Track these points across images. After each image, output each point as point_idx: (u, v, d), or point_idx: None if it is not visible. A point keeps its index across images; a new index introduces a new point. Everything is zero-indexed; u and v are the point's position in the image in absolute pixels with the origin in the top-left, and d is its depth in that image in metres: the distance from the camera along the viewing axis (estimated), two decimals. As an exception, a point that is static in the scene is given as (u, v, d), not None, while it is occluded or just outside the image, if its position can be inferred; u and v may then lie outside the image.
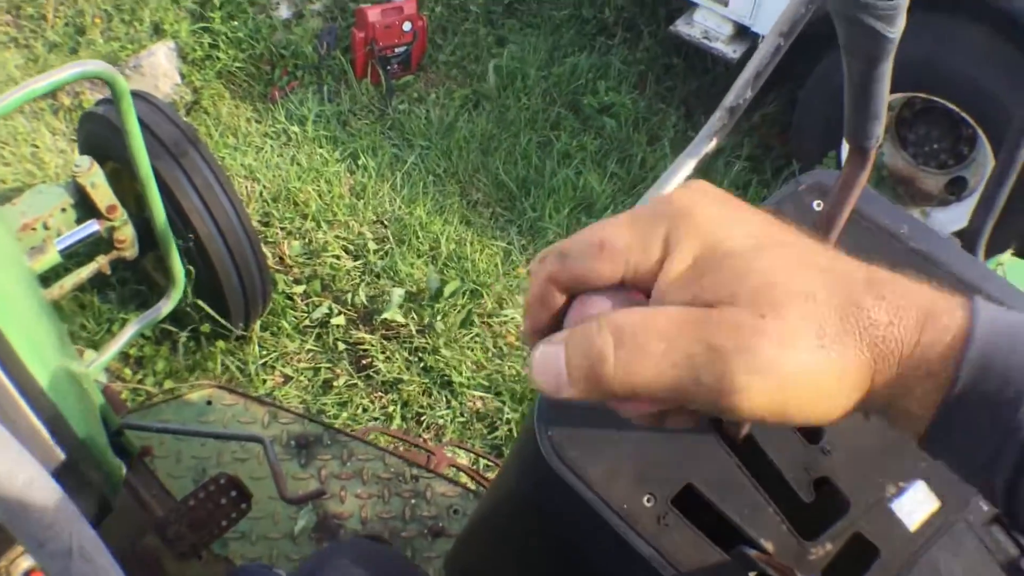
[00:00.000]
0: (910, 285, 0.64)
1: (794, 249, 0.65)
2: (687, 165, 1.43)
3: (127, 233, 3.01)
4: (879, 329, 0.61)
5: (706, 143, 1.44)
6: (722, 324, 0.60)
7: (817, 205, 1.26)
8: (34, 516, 0.70)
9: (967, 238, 1.54)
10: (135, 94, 2.98)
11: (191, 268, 3.11)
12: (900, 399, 0.63)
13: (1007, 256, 1.65)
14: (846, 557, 1.09)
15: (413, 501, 2.43)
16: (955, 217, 4.32)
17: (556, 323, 0.72)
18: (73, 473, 1.31)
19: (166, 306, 2.57)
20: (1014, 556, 1.09)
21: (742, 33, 4.73)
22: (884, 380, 0.62)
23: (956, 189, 4.43)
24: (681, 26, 4.85)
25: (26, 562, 1.33)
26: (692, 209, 0.66)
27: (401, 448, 2.76)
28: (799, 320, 0.60)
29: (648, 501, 1.06)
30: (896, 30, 0.88)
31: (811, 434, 1.12)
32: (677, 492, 1.08)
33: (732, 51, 4.69)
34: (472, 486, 2.61)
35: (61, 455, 1.28)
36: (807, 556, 1.07)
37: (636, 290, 0.68)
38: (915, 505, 1.11)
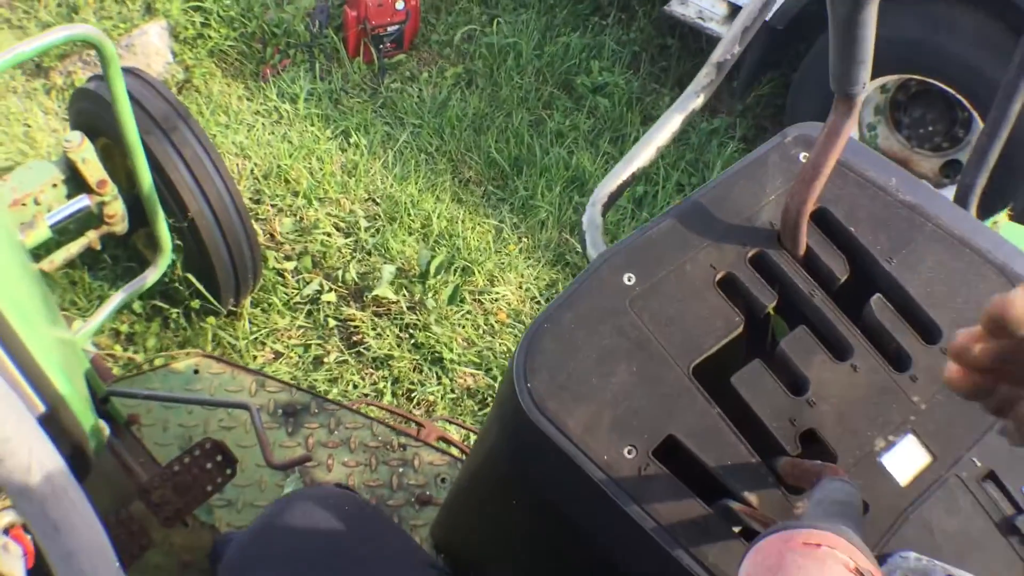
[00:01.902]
0: None
1: None
2: (675, 120, 1.42)
3: (117, 208, 2.99)
4: None
5: (694, 99, 1.43)
6: None
7: (803, 157, 1.25)
8: None
9: (958, 196, 1.53)
10: (126, 70, 2.96)
11: (181, 244, 3.09)
12: None
13: (1002, 217, 1.63)
14: (833, 512, 1.07)
15: (401, 470, 2.42)
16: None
17: None
18: (52, 426, 1.30)
19: (153, 274, 2.56)
20: (1009, 514, 1.07)
21: (737, 13, 4.70)
22: None
23: (951, 172, 4.42)
24: (675, 6, 4.83)
25: (5, 518, 1.32)
26: None
27: (390, 420, 2.75)
28: None
29: (629, 453, 1.05)
30: None
31: (796, 386, 1.11)
32: (659, 444, 1.06)
33: (727, 31, 4.66)
34: (461, 457, 2.60)
35: (41, 406, 1.27)
36: (792, 510, 1.05)
37: None
38: (905, 459, 1.09)
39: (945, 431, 1.10)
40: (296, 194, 4.11)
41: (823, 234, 1.21)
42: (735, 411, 1.09)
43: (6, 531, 1.32)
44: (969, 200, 1.50)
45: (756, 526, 1.02)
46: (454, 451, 2.74)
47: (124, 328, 3.53)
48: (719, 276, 1.16)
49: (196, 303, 3.42)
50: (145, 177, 2.42)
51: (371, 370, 3.56)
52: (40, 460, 0.70)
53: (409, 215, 4.09)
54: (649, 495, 1.04)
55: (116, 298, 2.47)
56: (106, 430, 1.61)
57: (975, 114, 4.08)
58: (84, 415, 1.46)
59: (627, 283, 1.14)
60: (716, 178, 1.25)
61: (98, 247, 3.03)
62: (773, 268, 1.18)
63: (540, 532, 1.26)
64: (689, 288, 1.14)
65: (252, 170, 4.20)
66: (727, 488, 1.06)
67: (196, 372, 2.51)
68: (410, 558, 1.56)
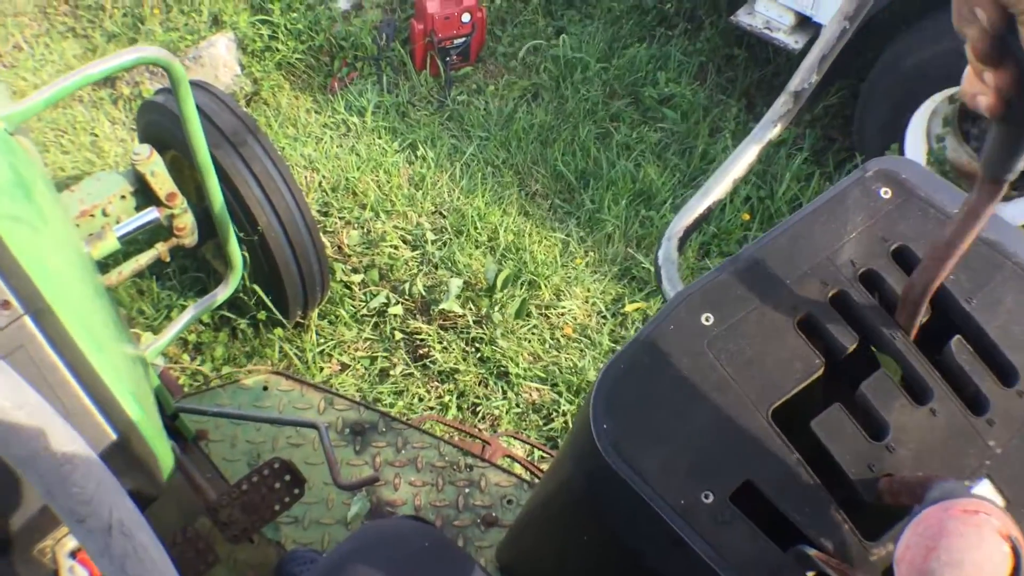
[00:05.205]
0: None
1: None
2: (751, 151, 1.40)
3: (187, 221, 3.01)
4: None
5: (770, 128, 1.40)
6: None
7: (884, 192, 1.23)
8: (73, 491, 0.69)
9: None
10: (194, 83, 2.99)
11: (250, 256, 3.12)
12: None
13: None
14: (909, 558, 1.05)
15: (467, 490, 2.42)
16: (1018, 213, 4.23)
17: None
18: (124, 453, 1.31)
19: (224, 292, 2.57)
20: (1082, 559, 1.05)
21: (804, 23, 4.66)
22: None
23: (1020, 184, 4.34)
24: (742, 16, 4.79)
25: (73, 541, 1.33)
26: None
27: (456, 437, 2.75)
28: None
29: (706, 497, 1.04)
30: None
31: (875, 431, 1.09)
32: (735, 488, 1.05)
33: (794, 41, 4.62)
34: (527, 477, 2.59)
35: (112, 435, 1.28)
36: (868, 557, 1.04)
37: None
38: (981, 504, 1.07)
39: (1020, 475, 1.08)
40: (364, 207, 4.13)
41: (904, 273, 1.18)
42: (810, 454, 1.08)
43: (73, 554, 1.33)
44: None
45: (832, 573, 1.00)
46: (517, 468, 2.73)
47: (192, 338, 3.57)
48: (799, 317, 1.14)
49: (263, 314, 3.45)
50: (216, 195, 2.44)
51: (436, 383, 3.57)
52: (120, 519, 0.70)
53: (476, 228, 4.10)
54: (725, 541, 1.02)
55: (186, 314, 2.49)
56: (176, 451, 1.62)
57: (1045, 128, 4.00)
58: (155, 439, 1.47)
59: (705, 324, 1.12)
60: (795, 215, 1.24)
61: (167, 259, 3.06)
62: (853, 308, 1.16)
63: (610, 569, 1.25)
64: (769, 329, 1.13)
65: (320, 183, 4.23)
66: (804, 534, 1.04)
67: (265, 389, 2.53)
68: None
